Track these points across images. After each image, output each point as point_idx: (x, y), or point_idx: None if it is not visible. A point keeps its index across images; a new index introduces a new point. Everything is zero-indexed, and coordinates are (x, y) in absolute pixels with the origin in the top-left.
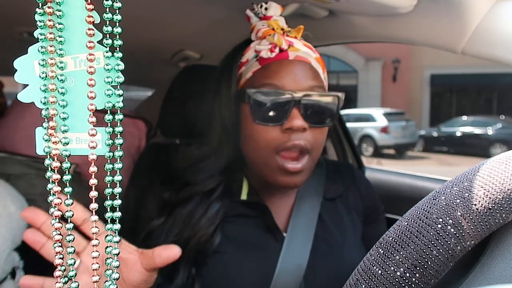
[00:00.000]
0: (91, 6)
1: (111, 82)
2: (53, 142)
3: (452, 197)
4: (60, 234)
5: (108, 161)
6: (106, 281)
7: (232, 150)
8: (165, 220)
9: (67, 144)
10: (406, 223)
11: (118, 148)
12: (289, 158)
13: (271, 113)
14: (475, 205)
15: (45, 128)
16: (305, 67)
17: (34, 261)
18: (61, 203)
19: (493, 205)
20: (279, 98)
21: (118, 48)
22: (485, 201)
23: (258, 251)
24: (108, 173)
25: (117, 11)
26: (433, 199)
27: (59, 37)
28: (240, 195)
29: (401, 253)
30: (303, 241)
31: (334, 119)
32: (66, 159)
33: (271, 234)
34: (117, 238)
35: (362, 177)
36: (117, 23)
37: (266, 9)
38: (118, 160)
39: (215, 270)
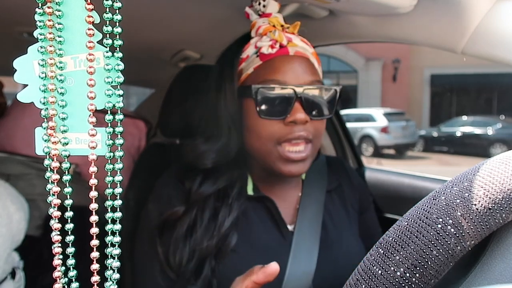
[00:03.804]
0: (91, 6)
1: (111, 82)
2: (53, 142)
3: (452, 197)
4: (59, 235)
5: (109, 161)
6: (107, 281)
7: (238, 144)
8: (187, 211)
9: (67, 144)
10: (406, 223)
11: (119, 148)
12: (292, 147)
13: (275, 108)
14: (475, 205)
15: (44, 128)
16: (304, 62)
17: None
18: (60, 203)
19: (493, 205)
20: (283, 93)
21: (118, 48)
22: (485, 201)
23: (268, 253)
24: (109, 173)
25: (117, 11)
26: (433, 199)
27: (59, 37)
28: (246, 191)
29: (401, 253)
30: (310, 246)
31: (333, 111)
32: (66, 159)
33: (278, 231)
34: (117, 239)
35: (352, 169)
36: (117, 23)
37: (264, 6)
38: (119, 160)
39: (229, 270)
